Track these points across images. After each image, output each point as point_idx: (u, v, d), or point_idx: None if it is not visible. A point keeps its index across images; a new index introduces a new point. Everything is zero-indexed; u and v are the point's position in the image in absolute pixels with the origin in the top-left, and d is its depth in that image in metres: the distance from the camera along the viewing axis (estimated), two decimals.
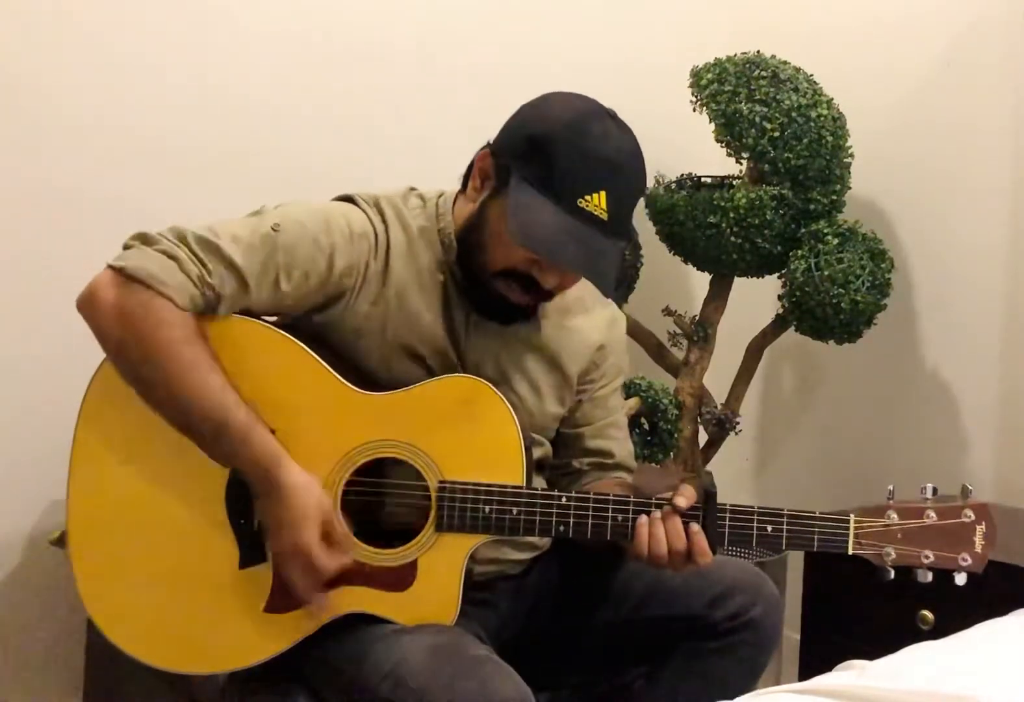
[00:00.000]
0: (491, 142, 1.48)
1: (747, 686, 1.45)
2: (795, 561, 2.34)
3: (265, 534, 1.39)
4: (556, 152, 1.38)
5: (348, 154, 2.23)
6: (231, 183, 2.09)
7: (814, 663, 2.03)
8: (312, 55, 2.20)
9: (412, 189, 1.57)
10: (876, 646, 1.50)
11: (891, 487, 1.42)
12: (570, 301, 1.59)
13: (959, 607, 1.88)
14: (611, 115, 1.44)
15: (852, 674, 1.33)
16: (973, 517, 1.40)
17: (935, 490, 1.41)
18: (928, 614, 1.99)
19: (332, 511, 1.36)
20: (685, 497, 1.39)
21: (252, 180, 2.11)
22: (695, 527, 1.37)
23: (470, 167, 1.51)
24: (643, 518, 1.39)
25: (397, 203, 1.53)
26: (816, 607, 2.24)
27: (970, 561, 1.40)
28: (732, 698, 1.26)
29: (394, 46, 2.29)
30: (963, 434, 2.41)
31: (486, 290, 1.47)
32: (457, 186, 1.55)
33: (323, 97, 2.22)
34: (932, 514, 1.40)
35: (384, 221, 1.50)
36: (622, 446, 1.66)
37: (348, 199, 1.52)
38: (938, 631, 1.72)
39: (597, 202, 1.38)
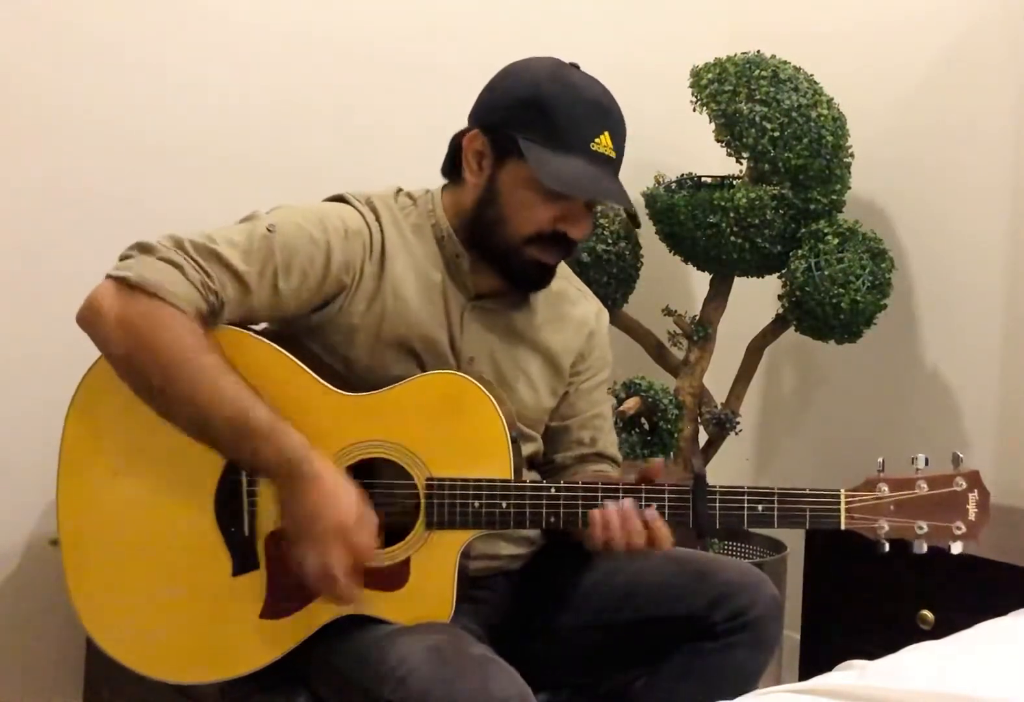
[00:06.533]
0: (472, 124, 1.52)
1: (747, 686, 1.45)
2: (795, 561, 2.34)
3: (258, 538, 1.39)
4: (554, 107, 1.45)
5: (351, 154, 2.23)
6: (234, 183, 2.09)
7: (814, 663, 2.04)
8: (314, 55, 2.20)
9: (399, 189, 1.58)
10: (876, 646, 1.50)
11: (881, 460, 1.41)
12: (558, 294, 1.63)
13: (959, 607, 1.88)
14: (573, 65, 1.52)
15: (852, 674, 1.32)
16: (965, 485, 1.39)
17: (927, 460, 1.40)
18: (928, 614, 1.99)
19: (362, 495, 1.36)
20: (655, 467, 1.40)
21: (256, 180, 2.10)
22: (653, 513, 1.38)
23: (452, 155, 1.55)
24: (594, 513, 1.38)
25: (389, 202, 1.54)
26: (816, 607, 2.24)
27: (964, 529, 1.39)
28: (732, 698, 1.26)
29: (395, 46, 2.29)
30: (963, 434, 2.41)
31: (518, 261, 1.50)
32: None
33: (325, 97, 2.22)
34: (923, 484, 1.39)
35: (378, 219, 1.51)
36: (606, 436, 1.67)
37: (340, 199, 1.54)
38: (938, 631, 1.72)
39: (606, 142, 1.47)
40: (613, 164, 1.49)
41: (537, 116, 1.45)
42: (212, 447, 1.36)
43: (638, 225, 1.59)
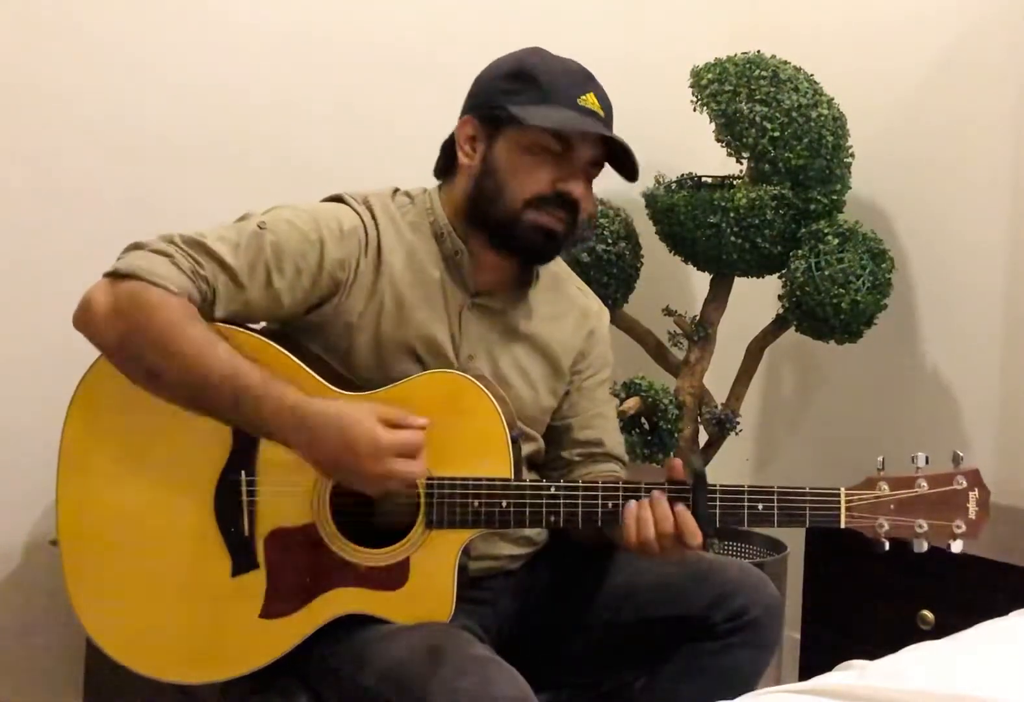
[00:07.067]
0: (463, 115, 1.54)
1: (747, 686, 1.45)
2: (795, 561, 2.34)
3: (258, 538, 1.40)
4: (538, 73, 1.49)
5: (351, 154, 2.23)
6: (234, 182, 2.09)
7: (814, 663, 2.04)
8: (314, 55, 2.20)
9: (397, 189, 1.58)
10: (876, 646, 1.50)
11: (881, 458, 1.41)
12: (558, 293, 1.63)
13: (959, 607, 1.88)
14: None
15: (852, 674, 1.32)
16: (965, 484, 1.39)
17: (927, 459, 1.40)
18: (928, 614, 1.99)
19: (375, 405, 1.34)
20: (675, 466, 1.39)
21: (256, 180, 2.10)
22: (681, 507, 1.37)
23: (444, 153, 1.57)
24: (631, 503, 1.38)
25: (386, 201, 1.55)
26: (816, 607, 2.24)
27: (964, 528, 1.39)
28: (732, 698, 1.26)
29: (395, 46, 2.29)
30: (963, 434, 2.41)
31: (520, 228, 1.49)
32: None
33: (325, 97, 2.22)
34: (923, 483, 1.39)
35: (374, 218, 1.51)
36: (611, 436, 1.67)
37: (337, 199, 1.54)
38: (938, 631, 1.73)
39: (592, 101, 1.49)
40: (603, 120, 1.50)
41: (521, 84, 1.49)
42: (215, 416, 1.36)
43: (634, 179, 1.54)
